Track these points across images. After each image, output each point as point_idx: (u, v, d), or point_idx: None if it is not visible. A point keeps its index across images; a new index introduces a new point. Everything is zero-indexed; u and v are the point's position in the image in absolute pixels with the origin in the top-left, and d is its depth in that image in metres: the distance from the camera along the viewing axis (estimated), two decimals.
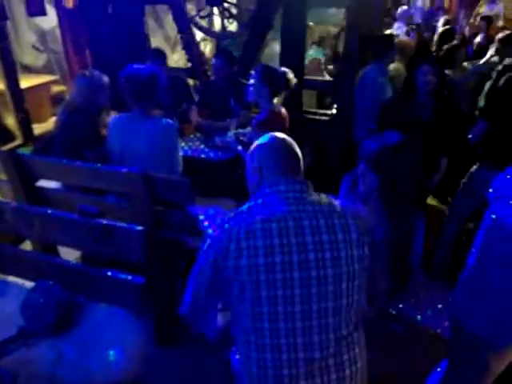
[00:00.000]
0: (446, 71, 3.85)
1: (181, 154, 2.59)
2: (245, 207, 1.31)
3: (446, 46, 4.04)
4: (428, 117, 2.84)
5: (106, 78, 2.80)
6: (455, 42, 4.17)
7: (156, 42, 4.98)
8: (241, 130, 3.15)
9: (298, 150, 1.39)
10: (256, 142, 1.41)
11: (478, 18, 6.40)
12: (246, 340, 1.30)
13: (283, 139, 1.39)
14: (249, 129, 3.10)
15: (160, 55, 3.60)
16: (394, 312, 2.72)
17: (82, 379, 1.89)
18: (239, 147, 2.94)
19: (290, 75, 2.81)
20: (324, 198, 1.33)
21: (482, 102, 2.76)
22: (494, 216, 1.45)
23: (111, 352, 1.96)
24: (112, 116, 2.69)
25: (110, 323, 2.05)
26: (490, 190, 1.51)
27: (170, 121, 2.55)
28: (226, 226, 1.27)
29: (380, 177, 2.07)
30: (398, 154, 2.13)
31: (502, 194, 1.45)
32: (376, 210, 2.07)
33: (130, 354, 2.00)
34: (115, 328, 2.04)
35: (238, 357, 1.40)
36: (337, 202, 1.33)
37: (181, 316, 1.38)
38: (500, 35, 4.05)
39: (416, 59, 3.97)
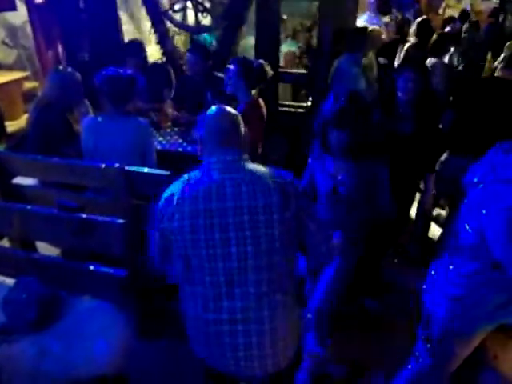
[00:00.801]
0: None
1: (155, 153, 2.62)
2: (187, 176, 1.48)
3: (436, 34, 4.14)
4: (408, 130, 2.57)
5: (78, 75, 2.80)
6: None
7: (129, 35, 4.93)
8: None
9: (237, 121, 1.50)
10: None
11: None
12: (182, 289, 1.54)
13: (221, 112, 1.50)
14: None
15: (138, 47, 3.59)
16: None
17: (66, 373, 1.90)
18: None
19: (267, 67, 2.85)
20: (258, 167, 1.45)
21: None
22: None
23: (95, 345, 1.98)
24: (85, 116, 2.70)
25: (92, 316, 2.07)
26: (467, 177, 1.61)
27: (143, 120, 2.59)
28: (167, 194, 1.49)
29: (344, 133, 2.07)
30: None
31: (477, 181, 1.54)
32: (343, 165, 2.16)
33: (114, 347, 2.02)
34: (98, 321, 2.06)
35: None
36: (270, 170, 1.45)
37: (152, 268, 1.66)
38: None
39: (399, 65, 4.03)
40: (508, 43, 3.20)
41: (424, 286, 1.82)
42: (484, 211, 1.43)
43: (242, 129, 1.50)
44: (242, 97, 2.82)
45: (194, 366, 1.97)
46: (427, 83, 2.68)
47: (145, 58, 3.70)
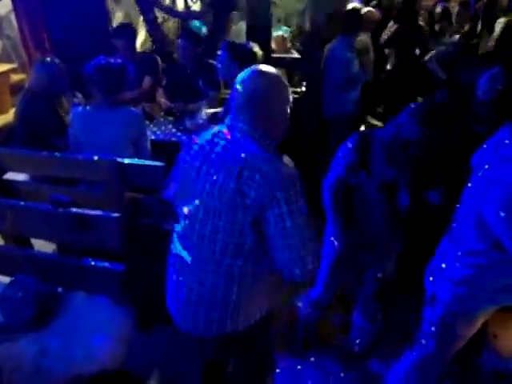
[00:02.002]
0: None
1: (149, 143, 2.59)
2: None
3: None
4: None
5: (64, 65, 2.75)
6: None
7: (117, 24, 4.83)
8: (213, 110, 3.13)
9: (268, 93, 1.43)
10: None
11: None
12: None
13: (261, 77, 1.44)
14: (221, 109, 3.09)
15: (127, 31, 3.51)
16: None
17: (66, 369, 1.89)
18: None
19: (257, 48, 2.80)
20: (253, 147, 1.38)
21: None
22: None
23: (94, 340, 1.97)
24: (74, 106, 2.65)
25: (91, 312, 2.05)
26: (473, 160, 1.59)
27: (135, 110, 2.54)
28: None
29: None
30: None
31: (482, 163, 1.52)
32: None
33: (114, 341, 2.01)
34: (97, 316, 2.05)
35: None
36: (259, 155, 1.37)
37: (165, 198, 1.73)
38: None
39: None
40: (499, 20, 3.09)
41: (428, 269, 1.81)
42: (485, 191, 1.42)
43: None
44: (234, 82, 2.78)
45: (192, 357, 1.98)
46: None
47: (134, 45, 3.62)
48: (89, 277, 2.13)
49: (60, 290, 2.14)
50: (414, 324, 1.96)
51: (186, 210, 1.50)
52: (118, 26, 3.68)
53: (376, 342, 2.50)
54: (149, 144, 2.59)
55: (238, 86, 1.45)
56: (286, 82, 1.48)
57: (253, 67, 1.47)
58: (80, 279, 2.12)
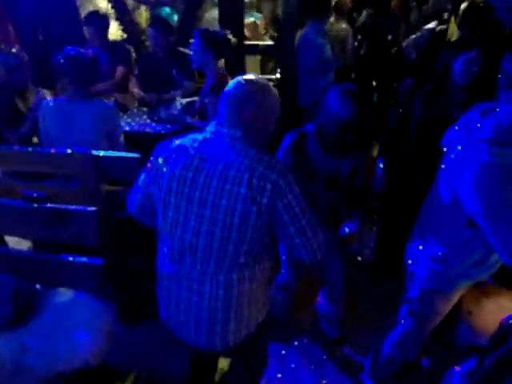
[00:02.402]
0: None
1: (122, 137, 2.54)
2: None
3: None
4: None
5: (25, 57, 2.65)
6: None
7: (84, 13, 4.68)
8: (187, 100, 3.09)
9: (248, 100, 1.41)
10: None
11: None
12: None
13: (242, 86, 1.43)
14: (196, 98, 3.06)
15: (98, 19, 3.40)
16: None
17: (49, 367, 1.87)
18: (188, 118, 2.91)
19: (230, 35, 2.78)
20: (248, 150, 1.38)
21: None
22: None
23: (76, 336, 1.95)
24: (44, 100, 2.57)
25: (71, 308, 2.02)
26: (443, 140, 1.65)
27: (108, 102, 2.50)
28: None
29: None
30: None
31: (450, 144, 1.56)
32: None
33: (95, 336, 1.99)
34: (77, 312, 2.02)
35: None
36: (256, 157, 1.37)
37: (128, 213, 1.67)
38: None
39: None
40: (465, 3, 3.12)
41: (406, 250, 1.86)
42: (458, 171, 1.46)
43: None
44: (208, 70, 2.75)
45: (176, 350, 1.98)
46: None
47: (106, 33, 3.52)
48: (67, 273, 2.10)
49: (38, 286, 2.10)
50: (395, 306, 2.02)
51: (166, 220, 1.46)
52: (88, 14, 3.56)
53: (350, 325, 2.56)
54: (122, 137, 2.54)
55: (226, 94, 1.44)
56: (275, 91, 1.48)
57: (241, 77, 1.47)
58: (58, 275, 2.08)
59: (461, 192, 1.46)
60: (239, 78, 1.46)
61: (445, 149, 1.63)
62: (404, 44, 4.01)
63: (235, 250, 1.39)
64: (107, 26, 3.50)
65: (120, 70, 3.43)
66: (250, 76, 1.48)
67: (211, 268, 1.42)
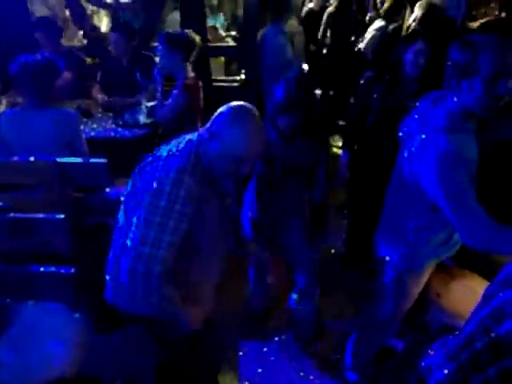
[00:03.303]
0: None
1: (85, 145, 2.46)
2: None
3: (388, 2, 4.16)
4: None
5: None
6: None
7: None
8: (153, 103, 3.06)
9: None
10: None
11: None
12: None
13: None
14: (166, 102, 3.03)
15: (47, 24, 3.32)
16: None
17: (24, 379, 1.81)
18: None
19: (193, 34, 2.74)
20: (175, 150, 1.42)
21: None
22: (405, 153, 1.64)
23: (50, 347, 1.89)
24: (2, 110, 2.49)
25: (43, 319, 1.95)
26: (401, 130, 1.71)
27: (69, 109, 2.43)
28: None
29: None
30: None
31: (410, 133, 1.62)
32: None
33: (69, 346, 1.94)
34: (50, 322, 1.94)
35: None
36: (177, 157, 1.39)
37: None
38: None
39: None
40: (419, 2, 3.26)
41: (376, 238, 1.91)
42: (420, 160, 1.51)
43: None
44: (178, 72, 2.72)
45: (150, 357, 1.96)
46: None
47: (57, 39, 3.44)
48: (38, 284, 2.04)
49: (8, 301, 2.03)
50: (367, 294, 2.07)
51: None
52: (38, 19, 3.49)
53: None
54: (85, 146, 2.46)
55: (219, 115, 1.44)
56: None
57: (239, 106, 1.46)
58: (29, 287, 2.02)
59: (424, 179, 1.52)
60: (238, 107, 1.47)
61: (404, 137, 1.69)
62: (362, 47, 4.14)
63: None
64: (59, 31, 3.44)
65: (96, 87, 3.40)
66: (249, 107, 1.48)
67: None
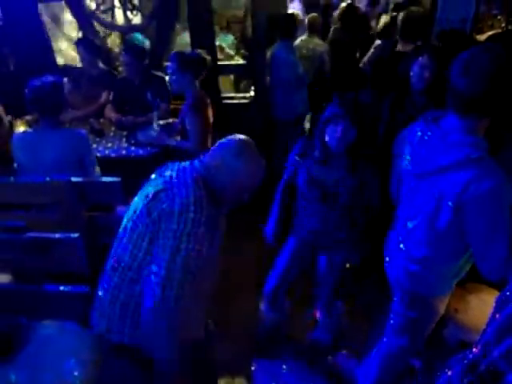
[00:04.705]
0: None
1: (96, 165, 2.49)
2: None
3: (384, 20, 4.19)
4: None
5: None
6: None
7: (58, 45, 4.67)
8: (164, 121, 3.10)
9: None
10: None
11: None
12: None
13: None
14: (172, 120, 3.07)
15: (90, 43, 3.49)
16: None
17: None
18: (167, 139, 2.90)
19: (204, 54, 2.80)
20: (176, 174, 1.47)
21: None
22: None
23: (64, 366, 1.89)
24: (16, 132, 2.55)
25: (58, 338, 1.96)
26: (397, 148, 1.73)
27: (79, 131, 2.48)
28: None
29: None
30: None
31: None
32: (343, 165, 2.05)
33: (84, 364, 1.94)
34: (65, 342, 1.95)
35: None
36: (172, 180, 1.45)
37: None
38: None
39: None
40: (403, 14, 3.24)
41: (388, 248, 1.89)
42: (450, 203, 1.46)
43: None
44: (189, 91, 2.76)
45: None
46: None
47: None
48: (52, 302, 2.04)
49: (23, 319, 2.03)
50: (381, 312, 2.03)
51: None
52: (78, 40, 3.69)
53: (341, 335, 2.56)
54: (97, 166, 2.49)
55: (223, 147, 1.51)
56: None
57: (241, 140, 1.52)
58: (43, 306, 2.03)
59: (459, 210, 1.46)
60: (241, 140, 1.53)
61: (408, 157, 1.66)
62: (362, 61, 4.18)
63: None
64: (97, 51, 3.63)
65: (105, 95, 3.50)
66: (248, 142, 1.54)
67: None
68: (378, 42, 4.13)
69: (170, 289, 1.34)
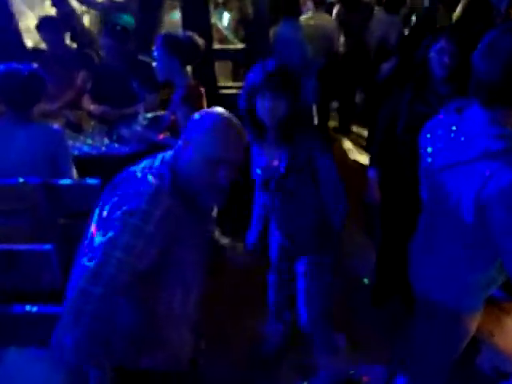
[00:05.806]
0: None
1: (72, 165, 2.46)
2: None
3: None
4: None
5: None
6: None
7: (25, 23, 4.64)
8: (152, 114, 3.07)
9: None
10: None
11: None
12: None
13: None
14: (161, 112, 3.05)
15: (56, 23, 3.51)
16: None
17: None
18: (155, 136, 2.87)
19: (197, 38, 2.72)
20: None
21: None
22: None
23: None
24: None
25: (27, 368, 1.94)
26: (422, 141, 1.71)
27: (53, 126, 2.46)
28: None
29: None
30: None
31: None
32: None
33: None
34: (34, 373, 1.94)
35: None
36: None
37: None
38: None
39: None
40: None
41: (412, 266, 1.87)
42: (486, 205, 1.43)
43: None
44: (178, 80, 2.71)
45: None
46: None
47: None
48: (22, 326, 2.01)
49: None
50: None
51: None
52: (40, 20, 3.67)
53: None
54: (72, 166, 2.45)
55: (191, 122, 1.53)
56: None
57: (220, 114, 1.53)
58: (11, 331, 2.00)
59: (481, 209, 1.45)
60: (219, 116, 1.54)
61: (430, 151, 1.66)
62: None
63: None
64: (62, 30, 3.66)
65: (82, 76, 3.52)
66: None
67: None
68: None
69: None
